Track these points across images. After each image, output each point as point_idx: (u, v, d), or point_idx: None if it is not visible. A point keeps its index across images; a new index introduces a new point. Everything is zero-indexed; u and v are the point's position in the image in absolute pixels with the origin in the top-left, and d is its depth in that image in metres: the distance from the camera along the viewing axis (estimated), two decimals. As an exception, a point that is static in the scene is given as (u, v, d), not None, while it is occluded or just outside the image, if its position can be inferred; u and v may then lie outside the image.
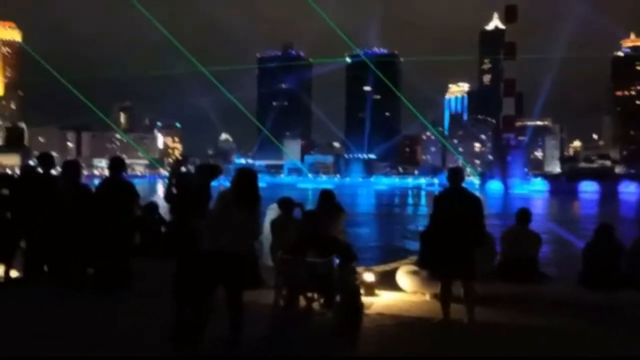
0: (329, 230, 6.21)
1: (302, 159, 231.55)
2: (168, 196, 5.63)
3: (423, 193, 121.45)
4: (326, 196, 7.29)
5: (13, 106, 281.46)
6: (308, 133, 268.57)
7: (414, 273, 7.17)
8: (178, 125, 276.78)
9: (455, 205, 5.74)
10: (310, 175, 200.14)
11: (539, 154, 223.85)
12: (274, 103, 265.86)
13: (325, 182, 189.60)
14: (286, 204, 7.45)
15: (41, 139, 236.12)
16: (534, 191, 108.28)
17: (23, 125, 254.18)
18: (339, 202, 7.47)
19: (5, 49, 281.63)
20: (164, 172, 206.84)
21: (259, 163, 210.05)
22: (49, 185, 7.08)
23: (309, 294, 5.72)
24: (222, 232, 4.83)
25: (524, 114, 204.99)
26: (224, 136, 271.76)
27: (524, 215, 7.34)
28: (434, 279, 6.32)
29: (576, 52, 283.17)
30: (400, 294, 7.20)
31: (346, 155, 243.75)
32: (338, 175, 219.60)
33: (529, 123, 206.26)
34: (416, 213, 53.53)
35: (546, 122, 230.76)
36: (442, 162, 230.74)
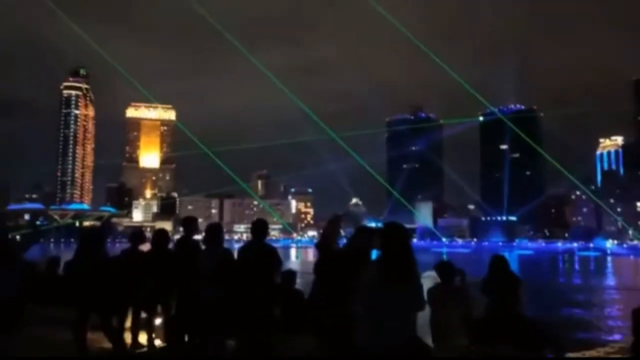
0: (508, 307, 5.54)
1: (435, 222, 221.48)
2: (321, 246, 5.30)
3: (576, 259, 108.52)
4: (499, 264, 6.21)
5: (167, 177, 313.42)
6: (440, 195, 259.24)
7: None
8: (310, 190, 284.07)
9: None
10: (444, 239, 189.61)
11: None
12: (404, 166, 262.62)
13: (461, 246, 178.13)
14: (447, 271, 6.31)
15: (189, 207, 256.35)
16: None
17: (175, 194, 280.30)
18: (514, 271, 6.28)
19: (163, 128, 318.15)
20: (297, 237, 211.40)
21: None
22: (191, 249, 6.91)
23: None
24: (375, 323, 3.78)
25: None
26: (354, 200, 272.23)
27: None
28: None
29: None
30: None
31: (482, 218, 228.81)
32: (475, 239, 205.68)
33: None
34: (574, 282, 44.29)
35: None
36: (597, 224, 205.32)
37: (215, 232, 6.81)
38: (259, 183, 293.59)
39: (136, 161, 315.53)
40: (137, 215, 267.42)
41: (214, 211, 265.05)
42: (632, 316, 5.40)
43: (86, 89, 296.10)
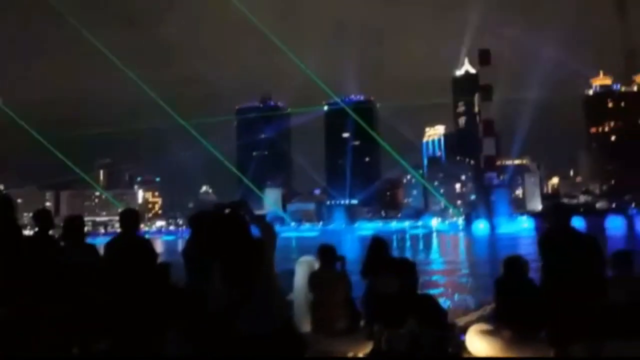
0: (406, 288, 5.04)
1: (284, 208, 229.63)
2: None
3: (407, 236, 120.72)
4: (379, 245, 6.43)
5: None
6: (289, 182, 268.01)
7: (491, 333, 5.58)
8: (157, 179, 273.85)
9: (568, 249, 4.75)
10: (292, 224, 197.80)
11: (519, 192, 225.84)
12: (254, 153, 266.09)
13: (308, 229, 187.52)
14: (329, 255, 6.24)
15: (18, 200, 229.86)
16: (521, 230, 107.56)
17: (0, 187, 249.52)
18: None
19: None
20: (145, 228, 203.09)
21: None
22: (48, 246, 6.00)
23: None
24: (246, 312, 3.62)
25: (502, 153, 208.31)
26: (204, 188, 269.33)
27: (627, 258, 5.29)
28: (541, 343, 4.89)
29: (550, 92, 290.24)
30: (473, 361, 5.62)
31: (328, 202, 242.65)
32: (321, 223, 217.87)
33: (508, 162, 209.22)
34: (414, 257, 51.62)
35: (525, 161, 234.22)
36: (425, 205, 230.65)
37: (76, 225, 6.16)
38: (102, 172, 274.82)
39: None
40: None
41: (48, 204, 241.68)
42: (495, 286, 5.75)
43: None
